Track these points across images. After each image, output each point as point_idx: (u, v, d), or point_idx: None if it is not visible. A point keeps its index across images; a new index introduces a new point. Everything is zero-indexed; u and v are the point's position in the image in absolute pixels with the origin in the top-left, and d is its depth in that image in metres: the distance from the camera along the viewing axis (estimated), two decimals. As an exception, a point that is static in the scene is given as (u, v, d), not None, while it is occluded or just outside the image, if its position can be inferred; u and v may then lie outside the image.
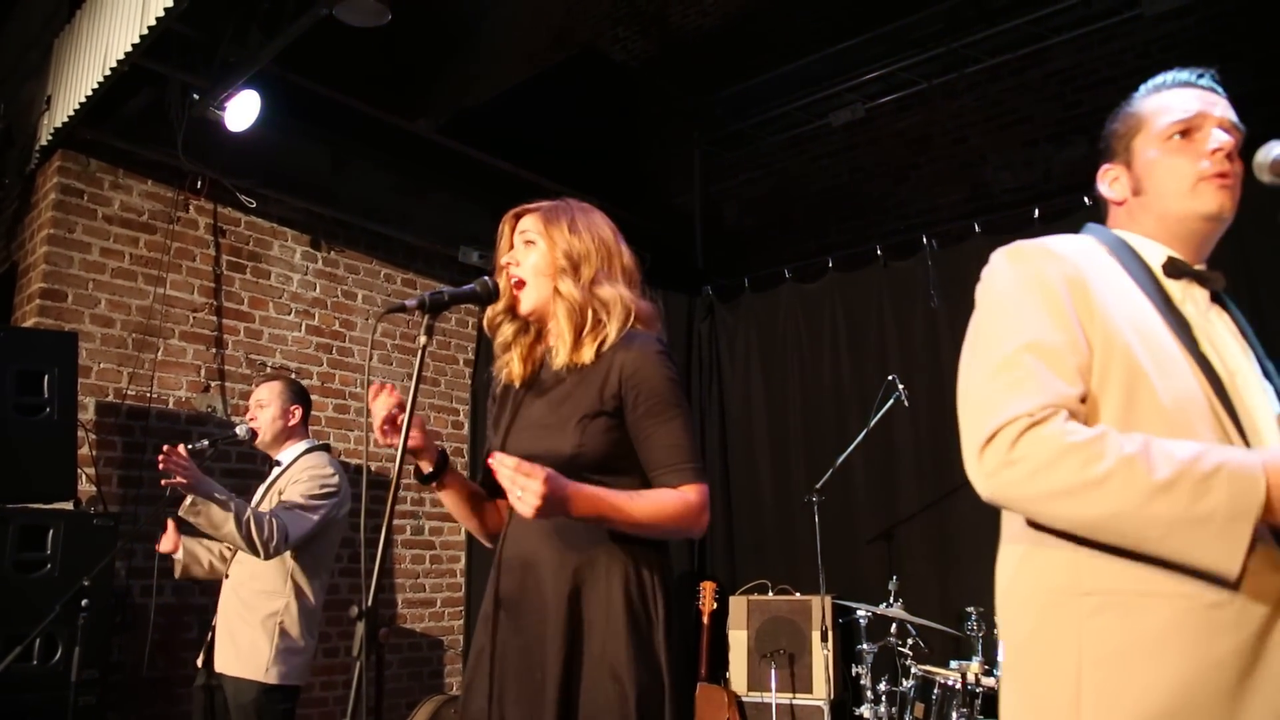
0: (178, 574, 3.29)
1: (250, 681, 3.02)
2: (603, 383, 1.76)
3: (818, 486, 4.51)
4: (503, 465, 1.55)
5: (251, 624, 3.08)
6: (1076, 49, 5.04)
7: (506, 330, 1.91)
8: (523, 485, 1.53)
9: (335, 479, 3.24)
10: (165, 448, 2.83)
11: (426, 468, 1.86)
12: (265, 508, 3.19)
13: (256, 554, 2.99)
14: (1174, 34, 4.77)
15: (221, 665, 3.07)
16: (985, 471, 1.28)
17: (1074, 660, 1.27)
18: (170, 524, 3.19)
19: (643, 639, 1.69)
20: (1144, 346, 1.32)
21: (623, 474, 1.76)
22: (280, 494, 3.20)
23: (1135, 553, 1.23)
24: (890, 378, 4.48)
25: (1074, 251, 1.40)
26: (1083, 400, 1.30)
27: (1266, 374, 1.42)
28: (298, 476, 3.22)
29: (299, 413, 3.37)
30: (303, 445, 3.38)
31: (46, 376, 3.59)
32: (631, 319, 1.83)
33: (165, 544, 3.21)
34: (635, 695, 1.63)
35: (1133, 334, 1.33)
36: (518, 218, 1.92)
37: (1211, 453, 1.19)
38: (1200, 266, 1.47)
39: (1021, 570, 1.38)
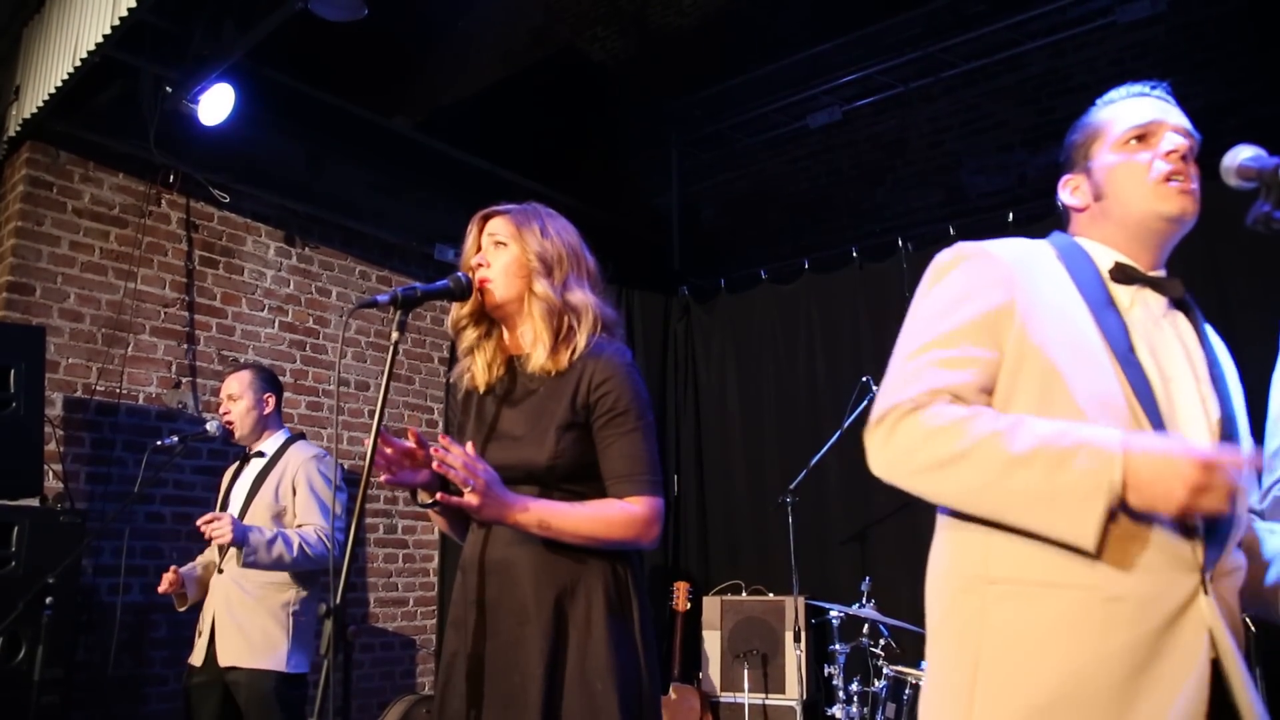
0: (183, 606, 3.23)
1: (269, 672, 3.03)
2: (573, 393, 1.77)
3: (791, 487, 4.53)
4: (453, 456, 1.62)
5: (262, 615, 3.08)
6: (1051, 55, 5.09)
7: (470, 334, 1.91)
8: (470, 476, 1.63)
9: (333, 470, 3.28)
10: (204, 518, 2.97)
11: (426, 498, 1.86)
12: (265, 502, 3.19)
13: (324, 568, 3.15)
14: (1146, 42, 4.83)
15: (232, 659, 3.04)
16: (870, 452, 1.37)
17: (975, 646, 1.31)
18: (171, 569, 3.17)
19: (623, 640, 1.71)
20: (1067, 348, 1.34)
21: (596, 481, 1.78)
22: (294, 491, 3.20)
23: (1027, 533, 1.28)
24: (864, 379, 4.50)
25: (1013, 255, 1.44)
26: (989, 394, 1.36)
27: (1216, 380, 1.42)
28: (302, 473, 3.22)
29: (273, 400, 3.36)
30: (282, 435, 3.36)
31: (13, 371, 3.53)
32: (599, 327, 1.85)
33: (164, 585, 3.15)
34: (618, 695, 1.64)
35: (1056, 336, 1.35)
36: (486, 219, 1.91)
37: (1075, 431, 1.23)
38: (1159, 272, 1.48)
39: (942, 555, 1.43)
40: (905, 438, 1.31)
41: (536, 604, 1.70)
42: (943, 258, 1.48)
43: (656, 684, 1.76)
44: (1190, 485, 1.16)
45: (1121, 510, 1.21)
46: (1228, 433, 1.38)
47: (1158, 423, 1.31)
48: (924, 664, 3.77)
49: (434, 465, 1.66)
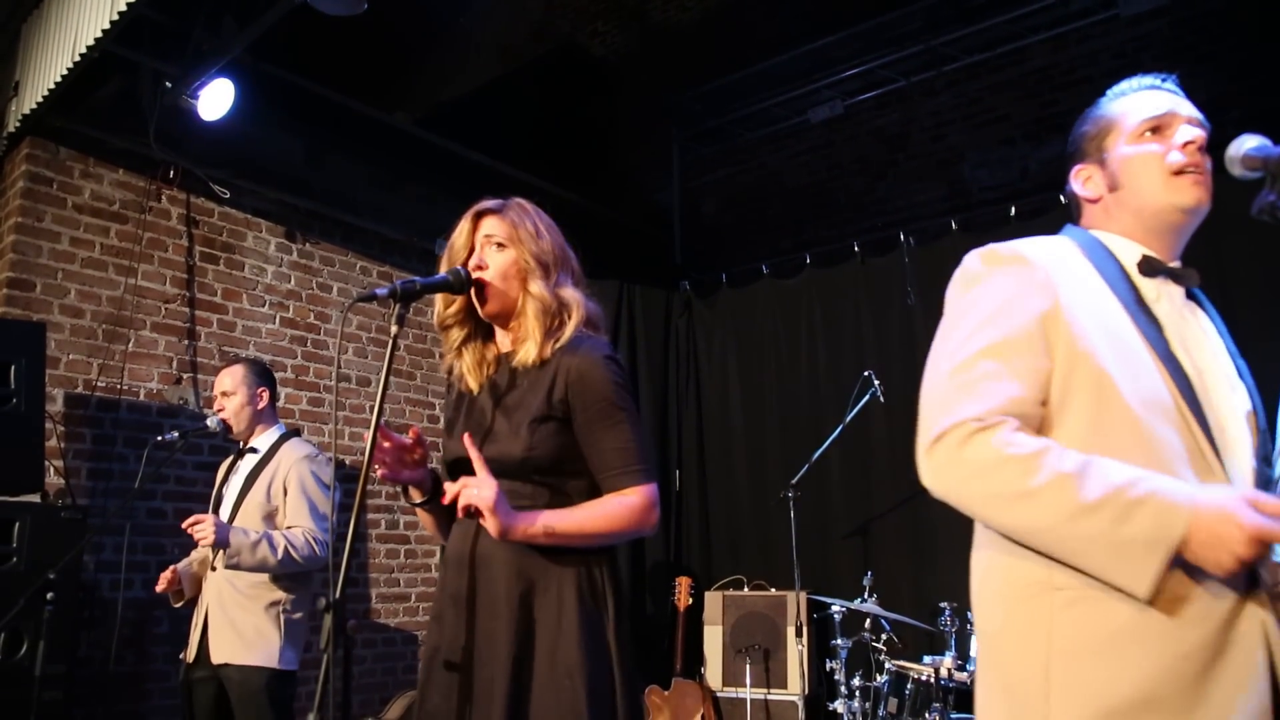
0: (179, 603, 3.22)
1: (260, 669, 3.03)
2: (550, 387, 1.77)
3: (793, 482, 4.52)
4: (470, 481, 1.66)
5: (255, 612, 3.07)
6: (1054, 48, 5.08)
7: (455, 333, 1.91)
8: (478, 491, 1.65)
9: (328, 470, 3.26)
10: (188, 521, 2.96)
11: (417, 497, 1.89)
12: (257, 501, 3.19)
13: (310, 571, 3.17)
14: (1149, 35, 4.81)
15: (224, 656, 3.04)
16: (931, 468, 1.33)
17: (1043, 652, 1.30)
18: (170, 569, 3.17)
19: (595, 636, 1.70)
20: (1112, 351, 1.34)
21: (572, 476, 1.79)
22: (285, 491, 3.20)
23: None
24: (866, 374, 4.49)
25: (1046, 255, 1.43)
26: (1044, 404, 1.34)
27: (1240, 371, 1.44)
28: (294, 474, 3.21)
29: (266, 395, 3.34)
30: (275, 432, 3.35)
31: (13, 367, 3.53)
32: (585, 322, 1.86)
33: (162, 584, 3.15)
34: (587, 693, 1.64)
35: (1100, 339, 1.35)
36: (479, 217, 1.90)
37: (1145, 481, 1.23)
38: (1175, 263, 1.48)
39: (994, 567, 1.41)
40: (974, 461, 1.29)
41: (507, 599, 1.70)
42: (974, 262, 1.46)
43: (632, 683, 1.74)
44: (1239, 558, 1.18)
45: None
46: (1262, 424, 1.39)
47: (1203, 422, 1.32)
48: (928, 657, 3.77)
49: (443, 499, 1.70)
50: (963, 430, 1.29)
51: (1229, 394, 1.39)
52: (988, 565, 1.42)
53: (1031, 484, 1.24)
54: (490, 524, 1.64)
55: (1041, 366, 1.34)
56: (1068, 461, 1.25)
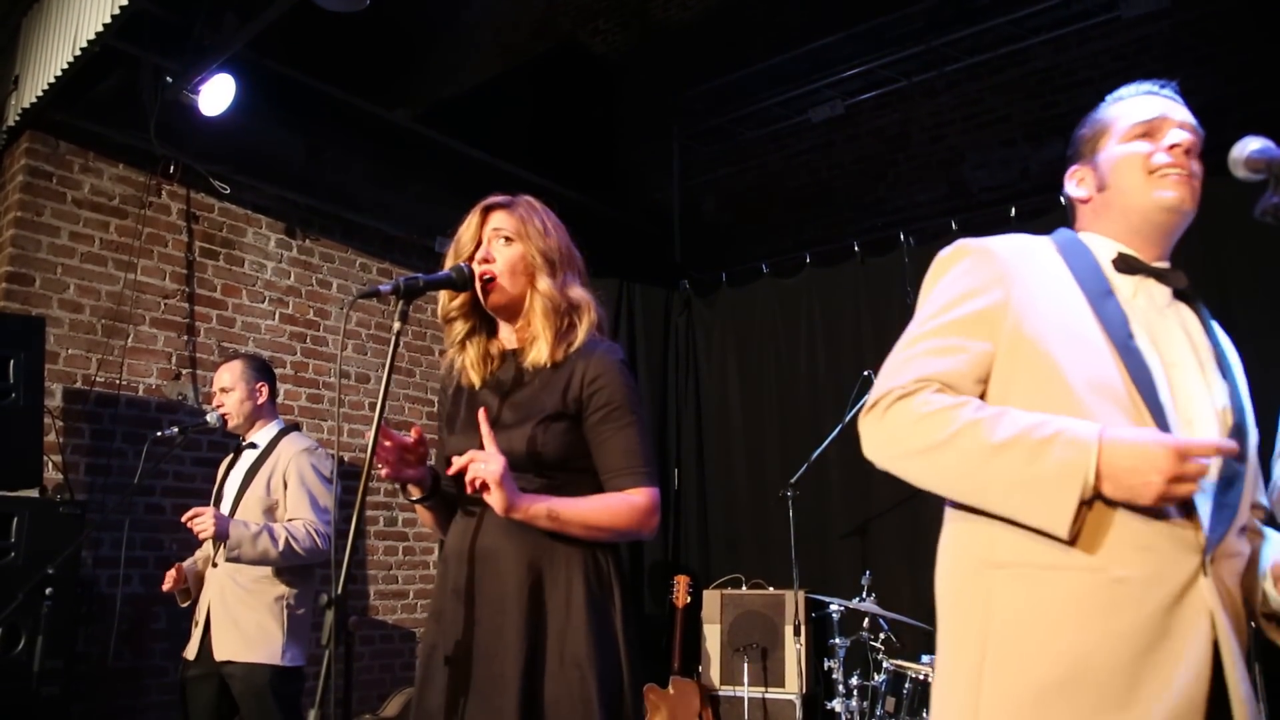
0: (186, 602, 3.22)
1: (264, 666, 3.02)
2: (565, 387, 1.78)
3: (792, 481, 4.52)
4: (481, 454, 1.66)
5: (258, 609, 3.07)
6: (1055, 50, 5.08)
7: (459, 326, 1.91)
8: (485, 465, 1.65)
9: (328, 462, 3.27)
10: (188, 514, 2.95)
11: (417, 494, 1.89)
12: (257, 495, 3.19)
13: (313, 563, 3.16)
14: (1150, 37, 4.82)
15: (227, 653, 3.03)
16: (862, 436, 1.43)
17: (982, 627, 1.34)
18: (175, 567, 3.18)
19: (603, 627, 1.72)
20: (1062, 338, 1.37)
21: (578, 473, 1.80)
22: (285, 485, 3.20)
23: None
24: (866, 374, 4.49)
25: (1011, 250, 1.47)
26: (983, 383, 1.40)
27: (1224, 371, 1.44)
28: (294, 467, 3.21)
29: (265, 390, 3.34)
30: (275, 427, 3.36)
31: (12, 362, 3.52)
32: (595, 324, 1.87)
33: (168, 583, 3.15)
34: (597, 683, 1.65)
35: (1051, 327, 1.38)
36: (488, 211, 1.90)
37: (1054, 421, 1.27)
38: (1163, 264, 1.50)
39: (949, 542, 1.46)
40: (895, 423, 1.37)
41: (516, 592, 1.71)
42: (943, 254, 1.52)
43: (637, 674, 1.76)
44: (1167, 475, 1.19)
45: (1103, 501, 1.25)
46: (1236, 420, 1.40)
47: (1157, 409, 1.33)
48: (926, 656, 3.78)
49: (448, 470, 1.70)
50: (888, 399, 1.38)
51: (1202, 389, 1.40)
52: (948, 538, 1.47)
53: (945, 434, 1.31)
54: (495, 498, 1.63)
55: (981, 348, 1.40)
56: (983, 410, 1.31)
